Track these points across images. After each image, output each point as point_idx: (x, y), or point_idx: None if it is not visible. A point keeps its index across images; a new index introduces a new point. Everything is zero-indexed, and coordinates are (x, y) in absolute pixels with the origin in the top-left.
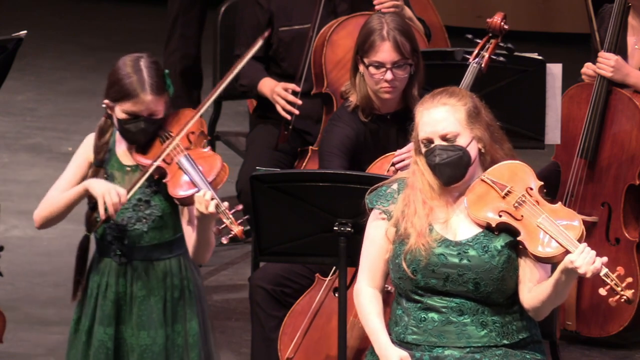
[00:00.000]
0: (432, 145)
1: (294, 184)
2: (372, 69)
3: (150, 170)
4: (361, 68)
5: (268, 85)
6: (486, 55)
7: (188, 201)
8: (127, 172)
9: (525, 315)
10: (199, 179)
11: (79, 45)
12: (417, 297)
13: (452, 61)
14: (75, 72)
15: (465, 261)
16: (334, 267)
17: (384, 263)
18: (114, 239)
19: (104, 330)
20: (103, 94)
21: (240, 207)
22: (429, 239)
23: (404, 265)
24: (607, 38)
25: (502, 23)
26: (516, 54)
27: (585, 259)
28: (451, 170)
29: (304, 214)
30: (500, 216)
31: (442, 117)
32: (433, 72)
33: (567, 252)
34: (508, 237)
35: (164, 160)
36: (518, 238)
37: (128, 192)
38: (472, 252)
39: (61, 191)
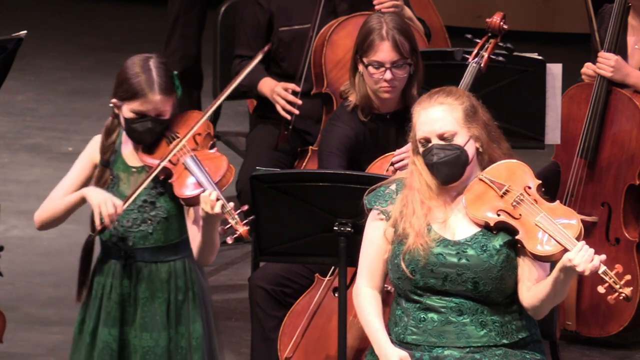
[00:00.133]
0: (430, 145)
1: (294, 184)
2: (371, 69)
3: (157, 170)
4: (360, 68)
5: (268, 85)
6: (485, 55)
7: (194, 201)
8: (133, 174)
9: (524, 314)
10: (205, 179)
11: (79, 45)
12: (416, 297)
13: (451, 61)
14: (75, 72)
15: (464, 261)
16: (334, 267)
17: (382, 263)
18: (119, 240)
19: (109, 332)
20: (103, 94)
21: (245, 207)
22: (428, 238)
23: (403, 265)
24: (607, 38)
25: (502, 23)
26: (516, 53)
27: (583, 257)
28: (449, 170)
29: (304, 214)
30: (498, 215)
31: (440, 116)
32: (433, 72)
33: (566, 250)
34: (506, 236)
35: (170, 161)
36: (516, 237)
37: (134, 192)
38: (470, 252)
39: (64, 191)
